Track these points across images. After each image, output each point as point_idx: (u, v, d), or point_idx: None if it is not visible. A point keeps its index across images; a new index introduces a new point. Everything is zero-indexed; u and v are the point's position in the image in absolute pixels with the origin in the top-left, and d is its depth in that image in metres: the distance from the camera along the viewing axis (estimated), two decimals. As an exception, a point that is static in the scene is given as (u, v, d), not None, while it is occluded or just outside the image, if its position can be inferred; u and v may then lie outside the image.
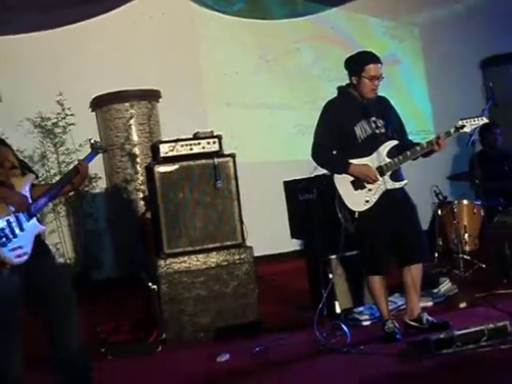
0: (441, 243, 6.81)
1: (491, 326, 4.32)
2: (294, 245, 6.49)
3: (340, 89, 5.03)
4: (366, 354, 4.55)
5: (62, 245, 7.95)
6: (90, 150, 3.75)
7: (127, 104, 8.15)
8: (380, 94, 4.96)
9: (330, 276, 5.49)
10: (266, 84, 9.05)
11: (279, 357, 4.73)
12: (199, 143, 5.56)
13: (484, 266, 6.47)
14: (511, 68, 10.05)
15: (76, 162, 3.68)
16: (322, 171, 5.21)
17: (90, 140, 3.78)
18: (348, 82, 4.94)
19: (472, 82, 9.81)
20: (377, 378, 4.06)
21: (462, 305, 5.51)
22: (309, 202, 5.71)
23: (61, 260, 7.79)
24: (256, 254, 5.70)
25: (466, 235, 6.70)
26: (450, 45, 9.93)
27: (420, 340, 4.43)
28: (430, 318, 4.87)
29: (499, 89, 9.82)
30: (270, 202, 7.19)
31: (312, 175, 5.64)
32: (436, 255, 6.78)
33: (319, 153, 4.89)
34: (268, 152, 8.57)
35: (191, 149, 5.53)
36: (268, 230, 7.21)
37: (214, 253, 5.47)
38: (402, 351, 4.47)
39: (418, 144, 4.88)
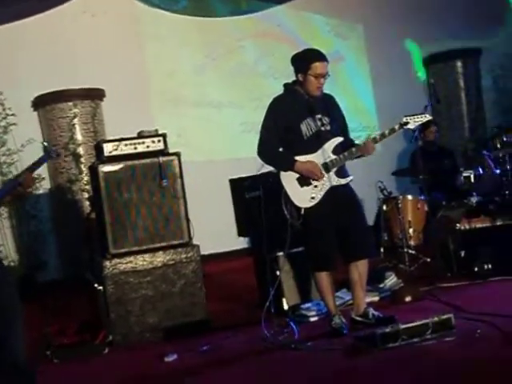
0: (386, 238, 6.90)
1: (436, 319, 4.37)
2: (242, 243, 6.49)
3: (286, 86, 5.04)
4: (313, 349, 4.57)
5: (4, 247, 7.79)
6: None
7: (71, 103, 8.03)
8: (325, 91, 4.99)
9: (278, 273, 5.51)
10: (212, 82, 9.02)
11: (227, 355, 4.73)
12: (143, 142, 5.52)
13: (428, 260, 6.57)
14: (453, 65, 10.24)
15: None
16: (268, 168, 5.21)
17: (43, 143, 3.70)
18: (294, 79, 4.96)
19: (415, 79, 9.96)
20: (324, 373, 4.08)
21: (408, 299, 5.57)
22: (255, 200, 5.71)
23: (4, 262, 7.62)
24: (203, 252, 5.69)
25: (411, 230, 6.80)
26: (394, 43, 10.04)
27: (366, 335, 4.47)
28: (376, 313, 4.91)
29: (441, 86, 10.06)
30: (216, 201, 7.16)
31: (258, 173, 5.64)
32: (381, 250, 6.86)
33: (265, 150, 4.89)
34: (214, 150, 8.54)
35: (135, 148, 5.48)
36: (215, 228, 7.18)
37: (161, 252, 5.44)
38: (348, 346, 4.50)
39: (356, 144, 4.94)
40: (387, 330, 4.32)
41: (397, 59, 9.97)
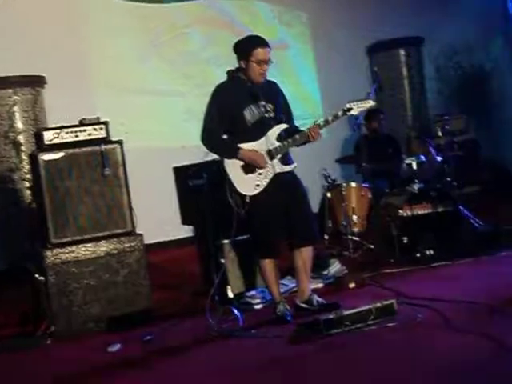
0: (330, 225, 6.93)
1: (378, 305, 4.43)
2: (186, 231, 6.44)
3: (229, 73, 5.01)
4: (257, 337, 4.58)
5: None
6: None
7: (10, 90, 7.83)
8: (269, 78, 4.98)
9: (222, 261, 5.49)
10: (156, 69, 8.91)
11: (171, 344, 4.70)
12: (85, 130, 5.42)
13: (372, 246, 6.61)
14: (397, 54, 10.31)
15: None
16: (213, 156, 5.19)
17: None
18: (237, 66, 4.93)
19: (359, 67, 10.00)
20: (268, 360, 4.08)
21: (351, 285, 5.62)
22: (199, 188, 5.68)
23: None
24: (147, 241, 5.64)
25: (355, 217, 6.84)
26: (338, 30, 10.06)
27: (310, 321, 4.49)
28: (320, 300, 4.95)
29: (384, 74, 10.12)
30: (160, 189, 7.08)
31: (202, 161, 5.61)
32: (326, 237, 6.89)
33: (208, 138, 4.86)
34: (158, 138, 8.45)
35: (77, 136, 5.38)
36: (159, 216, 7.12)
37: (104, 241, 5.36)
38: (292, 333, 4.52)
39: (300, 131, 4.93)
40: (331, 316, 4.36)
41: (341, 47, 9.99)
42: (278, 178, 4.81)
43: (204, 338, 4.72)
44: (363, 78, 9.38)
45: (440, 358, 3.65)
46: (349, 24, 10.11)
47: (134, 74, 8.64)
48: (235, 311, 4.99)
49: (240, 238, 5.45)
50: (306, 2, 10.02)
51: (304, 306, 4.95)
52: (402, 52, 10.25)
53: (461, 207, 6.68)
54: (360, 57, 10.05)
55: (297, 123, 5.14)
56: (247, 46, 4.83)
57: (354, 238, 6.68)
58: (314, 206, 7.88)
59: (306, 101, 9.83)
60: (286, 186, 4.83)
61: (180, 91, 8.89)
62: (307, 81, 10.05)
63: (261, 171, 4.79)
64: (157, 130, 8.48)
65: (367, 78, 9.21)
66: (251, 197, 4.78)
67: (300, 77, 10.00)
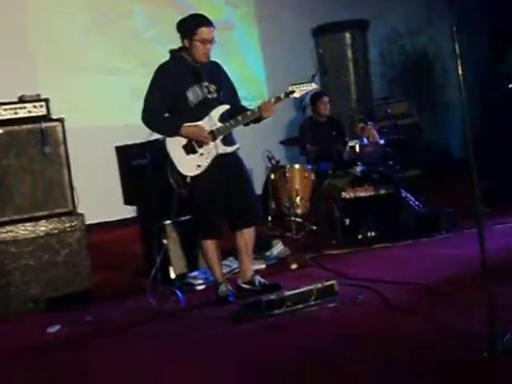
0: (274, 206, 6.95)
1: (319, 285, 4.47)
2: (129, 211, 6.37)
3: (172, 52, 4.95)
4: (198, 317, 4.58)
5: None
6: None
7: None
8: (214, 59, 4.94)
9: (165, 241, 5.46)
10: (100, 47, 8.75)
11: (111, 325, 4.67)
12: (25, 107, 5.30)
13: (315, 228, 6.66)
14: (342, 37, 10.35)
15: None
16: (156, 136, 5.13)
17: None
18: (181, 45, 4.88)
19: (304, 49, 9.99)
20: (210, 341, 4.08)
21: (294, 266, 5.66)
22: (142, 168, 5.62)
23: None
24: (89, 221, 5.57)
25: (298, 198, 6.86)
26: (284, 12, 10.05)
27: (252, 302, 4.50)
28: (263, 280, 4.96)
29: (330, 57, 10.17)
30: (104, 168, 6.98)
31: (145, 140, 5.55)
32: (269, 218, 6.91)
33: (149, 116, 4.80)
34: (101, 116, 8.30)
35: (16, 113, 5.26)
36: (101, 196, 7.02)
37: (43, 221, 5.28)
38: (234, 313, 4.52)
39: (249, 109, 4.91)
40: (272, 297, 4.38)
41: (287, 29, 9.98)
42: (219, 158, 4.79)
43: (145, 318, 4.70)
44: (308, 60, 9.35)
45: (379, 336, 3.70)
46: (295, 5, 10.10)
47: (76, 51, 8.46)
48: (177, 292, 4.97)
49: (183, 218, 5.43)
50: (253, -18, 9.98)
51: (246, 286, 4.96)
52: (348, 35, 10.28)
53: (402, 190, 6.77)
54: (306, 39, 10.04)
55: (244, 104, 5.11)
56: (191, 25, 4.78)
57: (297, 219, 6.73)
58: (258, 187, 7.93)
59: (251, 82, 9.80)
60: (228, 167, 4.82)
61: (124, 69, 8.75)
62: (252, 62, 10.02)
63: (202, 151, 4.76)
64: (100, 109, 8.33)
65: (312, 60, 9.19)
66: (192, 177, 4.75)
67: (245, 57, 9.96)
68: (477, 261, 3.32)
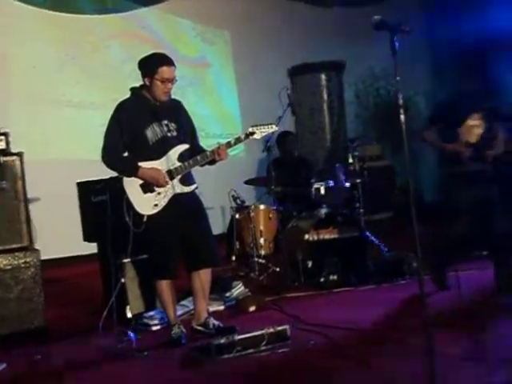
0: (238, 247, 6.90)
1: (271, 330, 4.41)
2: (90, 248, 6.29)
3: (133, 90, 4.94)
4: (150, 359, 4.51)
5: None
6: None
7: None
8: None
9: (122, 280, 5.39)
10: (73, 81, 8.77)
11: (61, 364, 4.58)
12: (-17, 141, 5.25)
13: (278, 269, 6.62)
14: (318, 77, 10.42)
15: None
16: (117, 173, 5.08)
17: None
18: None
19: (280, 89, 10.04)
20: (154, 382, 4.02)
21: (252, 308, 5.58)
22: (102, 204, 5.57)
23: None
24: (48, 256, 5.51)
25: (262, 239, 6.83)
26: (260, 51, 10.14)
27: (202, 345, 4.45)
28: (217, 323, 4.90)
29: (305, 97, 10.25)
30: (65, 204, 6.91)
31: (107, 177, 5.50)
32: (233, 258, 6.86)
33: (108, 155, 4.77)
34: (69, 151, 8.28)
35: (-26, 146, 5.21)
36: (62, 232, 6.96)
37: (-3, 256, 5.19)
38: (185, 356, 4.48)
39: (207, 150, 4.89)
40: (222, 340, 4.32)
41: (262, 67, 10.06)
42: (177, 198, 4.75)
43: (95, 358, 4.62)
44: (284, 100, 9.42)
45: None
46: (272, 44, 10.20)
47: (49, 85, 8.49)
48: (129, 332, 4.89)
49: (142, 257, 5.36)
50: (230, 21, 10.06)
51: (200, 328, 4.90)
52: (323, 76, 10.37)
53: (368, 234, 6.74)
54: (281, 78, 10.09)
55: (216, 141, 5.09)
56: (152, 64, 4.78)
57: (261, 260, 6.68)
58: (224, 227, 7.90)
59: (226, 119, 9.85)
60: (185, 207, 4.78)
61: (97, 104, 8.76)
62: (228, 99, 10.07)
63: (160, 191, 4.73)
64: (68, 143, 8.32)
65: (287, 100, 9.25)
66: (149, 216, 4.71)
67: (221, 95, 10.02)
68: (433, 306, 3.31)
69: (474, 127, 5.42)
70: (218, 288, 5.85)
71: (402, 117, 3.20)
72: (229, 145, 4.85)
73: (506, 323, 4.63)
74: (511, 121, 6.05)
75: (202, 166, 4.88)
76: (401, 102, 3.18)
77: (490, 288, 5.53)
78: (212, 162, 4.91)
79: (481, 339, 4.14)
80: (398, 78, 3.25)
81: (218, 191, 7.39)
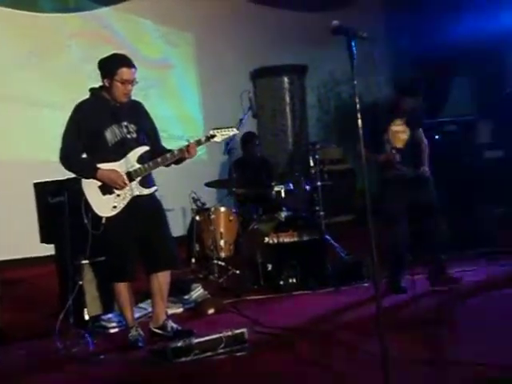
0: (198, 249, 6.88)
1: (229, 333, 4.40)
2: (48, 249, 6.21)
3: (92, 90, 4.89)
4: (105, 362, 4.47)
5: None
6: None
7: None
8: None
9: (80, 282, 5.33)
10: (33, 80, 8.64)
11: (15, 367, 4.52)
12: None
13: (238, 272, 6.61)
14: (280, 80, 10.44)
15: None
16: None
17: None
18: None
19: (242, 91, 10.05)
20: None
21: (210, 311, 5.57)
22: (59, 206, 5.50)
23: None
24: (4, 258, 5.41)
25: (222, 241, 6.83)
26: (224, 53, 10.11)
27: (159, 348, 4.43)
28: (175, 326, 4.88)
29: (268, 100, 10.26)
30: (21, 205, 6.82)
31: (64, 177, 5.44)
32: (193, 261, 6.84)
33: (66, 156, 4.72)
34: (28, 151, 8.15)
35: None
36: (19, 233, 6.85)
37: (-49, 258, 5.11)
38: (142, 359, 4.45)
39: (169, 151, 4.86)
40: (179, 344, 4.30)
41: (226, 70, 10.04)
42: (136, 200, 4.72)
43: (50, 361, 4.56)
44: (246, 103, 9.42)
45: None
46: (235, 47, 10.18)
47: (9, 83, 8.35)
48: (86, 335, 4.84)
49: (100, 259, 5.31)
50: (194, 23, 10.01)
51: (158, 331, 4.88)
52: (286, 79, 10.39)
53: (327, 237, 6.77)
54: (244, 81, 10.10)
55: (177, 143, 5.04)
56: (112, 65, 4.74)
57: (221, 262, 6.67)
58: (184, 229, 7.87)
59: (188, 121, 9.80)
60: (144, 209, 4.75)
61: (58, 104, 8.63)
62: (190, 101, 10.03)
63: (119, 192, 4.69)
64: (27, 143, 8.19)
65: (248, 102, 9.25)
66: (107, 218, 4.67)
67: (183, 97, 9.97)
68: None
69: (399, 133, 5.66)
70: (177, 290, 5.82)
71: (360, 121, 3.21)
72: (199, 142, 4.83)
73: (460, 325, 4.70)
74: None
75: (167, 166, 4.85)
76: (358, 106, 3.19)
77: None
78: (178, 162, 4.87)
79: (434, 341, 4.18)
80: (355, 82, 3.27)
81: (179, 193, 7.36)
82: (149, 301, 5.56)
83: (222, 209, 6.94)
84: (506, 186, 6.86)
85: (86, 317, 5.40)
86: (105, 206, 4.69)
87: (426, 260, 5.85)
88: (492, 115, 7.54)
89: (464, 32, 9.44)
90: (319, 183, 6.94)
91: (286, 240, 6.41)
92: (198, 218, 6.91)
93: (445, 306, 5.27)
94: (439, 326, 4.55)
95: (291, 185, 6.79)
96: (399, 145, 5.70)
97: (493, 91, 9.42)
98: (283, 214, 6.52)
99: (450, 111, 10.39)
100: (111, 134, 4.72)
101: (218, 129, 4.95)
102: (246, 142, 7.63)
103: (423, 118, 6.12)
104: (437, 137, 6.16)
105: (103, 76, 4.78)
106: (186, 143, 4.83)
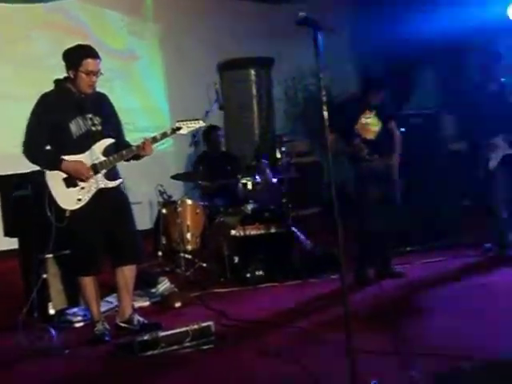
0: (164, 242, 6.83)
1: (195, 326, 4.39)
2: (13, 243, 6.13)
3: (57, 82, 4.83)
4: (71, 356, 4.43)
5: None
6: None
7: None
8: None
9: (44, 276, 5.27)
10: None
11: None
12: None
13: (204, 265, 6.58)
14: (246, 73, 10.40)
15: None
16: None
17: None
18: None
19: (209, 83, 10.01)
20: (75, 381, 3.95)
21: (177, 304, 5.55)
22: (23, 199, 5.44)
23: None
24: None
25: (189, 234, 6.77)
26: (190, 45, 10.05)
27: (125, 342, 4.40)
28: (141, 319, 4.85)
29: (234, 93, 10.22)
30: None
31: (28, 170, 5.37)
32: (160, 254, 6.79)
33: (30, 148, 4.66)
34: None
35: None
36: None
37: None
38: (108, 353, 4.43)
39: (132, 145, 4.82)
40: (146, 337, 4.28)
41: (192, 61, 9.98)
42: (101, 193, 4.67)
43: (14, 356, 4.52)
44: (212, 95, 9.38)
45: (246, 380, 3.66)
46: (201, 39, 10.12)
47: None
48: (50, 329, 4.79)
49: (64, 252, 5.25)
50: (159, 13, 9.94)
51: (124, 325, 4.84)
52: (252, 71, 10.37)
53: (294, 229, 6.76)
54: (210, 73, 10.05)
55: (144, 135, 4.99)
56: (77, 56, 4.68)
57: (187, 255, 6.64)
58: (150, 222, 7.82)
59: (154, 112, 9.73)
60: (109, 202, 4.71)
61: (19, 96, 8.51)
62: (156, 93, 9.96)
63: (83, 185, 4.64)
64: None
65: (214, 94, 9.22)
66: (72, 211, 4.62)
67: (149, 88, 9.89)
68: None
69: (370, 124, 5.70)
70: (144, 284, 5.79)
71: (326, 113, 3.21)
72: (154, 140, 4.80)
73: (426, 317, 4.74)
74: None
75: (127, 160, 4.82)
76: (324, 99, 3.19)
77: (411, 283, 5.68)
78: (137, 157, 4.84)
79: (401, 334, 4.21)
80: (321, 75, 3.26)
81: (146, 186, 7.31)
82: (115, 295, 5.54)
83: (189, 201, 6.89)
84: (469, 178, 6.93)
85: (51, 311, 5.35)
86: (69, 198, 4.64)
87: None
88: (456, 108, 7.61)
89: (429, 25, 9.49)
90: (286, 176, 6.92)
91: (253, 232, 6.40)
92: (164, 210, 6.85)
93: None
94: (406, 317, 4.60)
95: (258, 177, 6.78)
96: (370, 136, 5.76)
97: (457, 84, 9.50)
98: (249, 207, 6.52)
99: (415, 104, 10.48)
100: (76, 127, 4.67)
101: (184, 121, 4.92)
102: (210, 134, 7.58)
103: (393, 111, 6.18)
104: (402, 129, 6.19)
105: (68, 67, 4.72)
106: (144, 139, 4.79)
